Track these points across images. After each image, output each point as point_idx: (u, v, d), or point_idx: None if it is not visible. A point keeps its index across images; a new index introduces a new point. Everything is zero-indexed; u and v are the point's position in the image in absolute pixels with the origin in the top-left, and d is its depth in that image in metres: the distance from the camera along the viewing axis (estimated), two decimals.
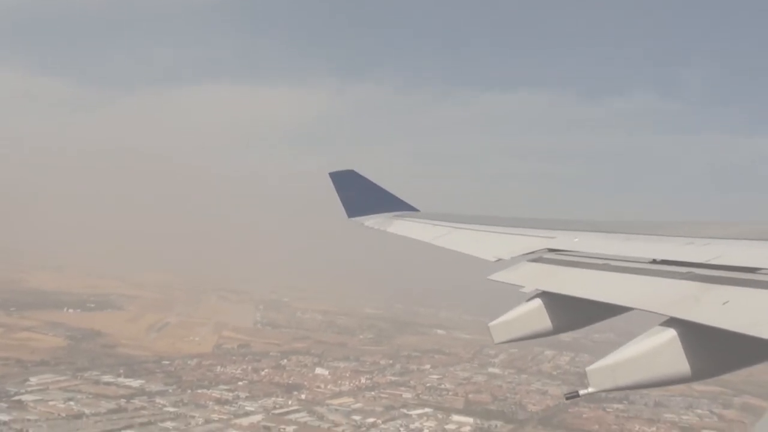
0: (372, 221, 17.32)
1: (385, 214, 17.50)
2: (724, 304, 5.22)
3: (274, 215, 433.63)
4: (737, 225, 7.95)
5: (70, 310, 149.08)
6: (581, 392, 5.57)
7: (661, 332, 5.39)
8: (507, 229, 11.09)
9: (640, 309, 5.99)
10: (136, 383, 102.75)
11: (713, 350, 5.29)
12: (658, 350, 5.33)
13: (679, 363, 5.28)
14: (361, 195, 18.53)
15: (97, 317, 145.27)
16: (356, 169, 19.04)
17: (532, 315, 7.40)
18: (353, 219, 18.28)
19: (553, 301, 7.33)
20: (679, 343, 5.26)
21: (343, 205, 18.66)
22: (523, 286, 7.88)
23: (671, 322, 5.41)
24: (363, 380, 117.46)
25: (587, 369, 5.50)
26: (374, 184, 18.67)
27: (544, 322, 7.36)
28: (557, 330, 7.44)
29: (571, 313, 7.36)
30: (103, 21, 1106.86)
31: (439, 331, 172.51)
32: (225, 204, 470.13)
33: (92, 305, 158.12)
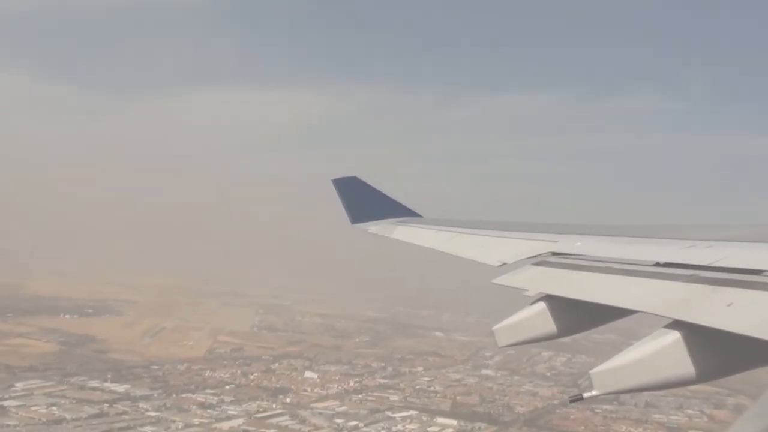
0: (376, 228, 17.40)
1: (389, 220, 17.54)
2: (728, 306, 5.23)
3: (279, 218, 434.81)
4: (741, 227, 8.01)
5: (67, 316, 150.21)
6: (585, 395, 5.60)
7: (665, 335, 5.36)
8: (510, 233, 11.15)
9: (644, 312, 6.00)
10: (121, 388, 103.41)
11: (718, 352, 5.29)
12: (662, 353, 5.30)
13: (683, 365, 5.27)
14: (364, 201, 18.57)
15: (93, 323, 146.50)
16: (362, 171, 19.10)
17: (536, 318, 7.43)
18: (357, 225, 18.34)
19: (557, 305, 7.36)
20: (684, 346, 5.25)
21: (347, 211, 18.69)
22: (527, 290, 7.92)
23: (675, 324, 5.39)
24: (351, 383, 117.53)
25: (591, 372, 5.47)
26: (377, 191, 18.69)
27: (549, 326, 7.39)
28: (561, 333, 7.46)
29: (575, 316, 7.40)
30: (107, 26, 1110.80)
31: (438, 334, 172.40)
32: (230, 207, 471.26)
33: (90, 311, 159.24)
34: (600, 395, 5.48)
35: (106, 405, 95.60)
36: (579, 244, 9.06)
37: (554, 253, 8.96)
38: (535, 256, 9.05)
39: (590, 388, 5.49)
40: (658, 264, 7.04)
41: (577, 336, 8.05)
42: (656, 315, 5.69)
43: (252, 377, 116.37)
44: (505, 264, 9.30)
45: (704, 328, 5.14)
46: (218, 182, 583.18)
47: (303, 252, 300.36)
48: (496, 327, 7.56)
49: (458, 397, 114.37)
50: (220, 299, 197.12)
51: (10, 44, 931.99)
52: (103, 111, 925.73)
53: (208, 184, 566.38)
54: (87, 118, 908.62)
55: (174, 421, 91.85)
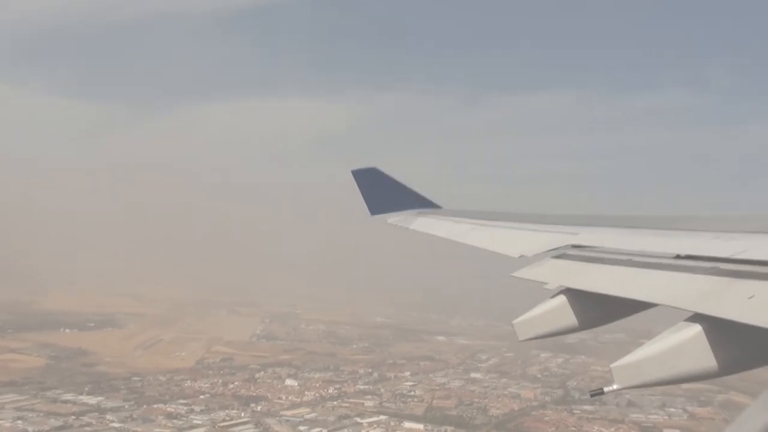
0: (395, 218, 17.65)
1: (408, 211, 17.77)
2: (749, 298, 5.22)
3: (302, 227, 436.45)
4: (762, 219, 8.06)
5: (67, 330, 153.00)
6: (606, 389, 5.63)
7: (686, 328, 5.38)
8: (530, 225, 11.26)
9: (664, 305, 6.03)
10: (94, 400, 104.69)
11: (739, 346, 5.30)
12: (683, 346, 5.32)
13: (704, 359, 5.28)
14: (383, 192, 18.71)
15: (91, 336, 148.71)
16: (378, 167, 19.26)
17: (557, 312, 7.46)
18: (376, 216, 18.62)
19: (578, 298, 7.41)
20: (705, 339, 5.25)
21: (366, 202, 18.89)
22: (547, 283, 7.97)
23: (696, 317, 5.41)
24: (330, 390, 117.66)
25: (612, 366, 5.49)
26: (396, 181, 18.84)
27: (569, 319, 7.42)
28: (582, 326, 7.51)
29: (596, 309, 7.44)
30: (121, 39, 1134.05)
31: (440, 338, 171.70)
32: (252, 218, 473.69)
33: (92, 324, 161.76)
34: (621, 389, 5.53)
35: (72, 417, 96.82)
36: (600, 236, 9.14)
37: (574, 246, 9.05)
38: (555, 249, 9.14)
39: (605, 383, 5.60)
40: (679, 256, 7.11)
41: (585, 336, 7.98)
42: (677, 308, 5.72)
43: (231, 386, 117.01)
44: (524, 256, 9.39)
45: (726, 321, 5.14)
46: (239, 193, 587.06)
47: (325, 260, 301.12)
48: (516, 321, 7.59)
49: (435, 401, 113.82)
50: (230, 309, 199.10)
51: (24, 58, 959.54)
52: (119, 125, 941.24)
53: (228, 196, 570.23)
54: (102, 131, 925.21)
55: None
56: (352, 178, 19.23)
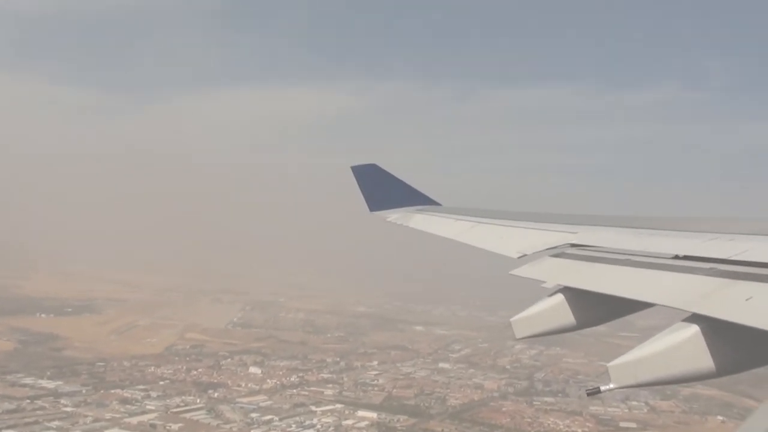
0: (394, 215, 17.66)
1: (407, 208, 17.82)
2: (747, 300, 5.25)
3: (298, 213, 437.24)
4: (761, 221, 8.07)
5: (43, 315, 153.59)
6: (602, 388, 5.64)
7: (684, 328, 5.41)
8: (529, 224, 11.32)
9: (662, 305, 6.03)
10: (53, 384, 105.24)
11: (736, 347, 5.32)
12: (680, 346, 5.35)
13: (701, 359, 5.31)
14: (382, 189, 18.79)
15: (66, 322, 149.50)
16: (378, 164, 19.45)
17: (554, 310, 7.45)
18: (375, 213, 18.67)
19: (576, 297, 7.39)
20: (702, 340, 5.29)
21: (365, 198, 18.93)
22: (545, 282, 8.02)
23: (694, 318, 5.43)
24: (293, 378, 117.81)
25: (608, 365, 5.51)
26: (396, 178, 18.91)
27: (567, 318, 7.40)
28: (580, 325, 7.48)
29: (594, 308, 7.43)
30: (121, 27, 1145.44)
31: (418, 328, 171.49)
32: (249, 205, 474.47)
33: (70, 310, 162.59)
34: (617, 389, 5.55)
35: (27, 401, 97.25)
36: (598, 235, 9.18)
37: (573, 245, 9.09)
38: (554, 248, 9.17)
39: (601, 381, 5.67)
40: (677, 257, 7.12)
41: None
42: (675, 308, 5.73)
43: (194, 373, 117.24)
44: (524, 256, 9.42)
45: (723, 322, 5.16)
46: (235, 180, 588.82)
47: (320, 247, 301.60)
48: (513, 318, 7.58)
49: (395, 391, 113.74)
50: (215, 297, 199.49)
51: (27, 46, 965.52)
52: (118, 112, 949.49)
53: (224, 183, 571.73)
54: (103, 118, 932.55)
55: (85, 416, 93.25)
56: (348, 170, 19.37)
